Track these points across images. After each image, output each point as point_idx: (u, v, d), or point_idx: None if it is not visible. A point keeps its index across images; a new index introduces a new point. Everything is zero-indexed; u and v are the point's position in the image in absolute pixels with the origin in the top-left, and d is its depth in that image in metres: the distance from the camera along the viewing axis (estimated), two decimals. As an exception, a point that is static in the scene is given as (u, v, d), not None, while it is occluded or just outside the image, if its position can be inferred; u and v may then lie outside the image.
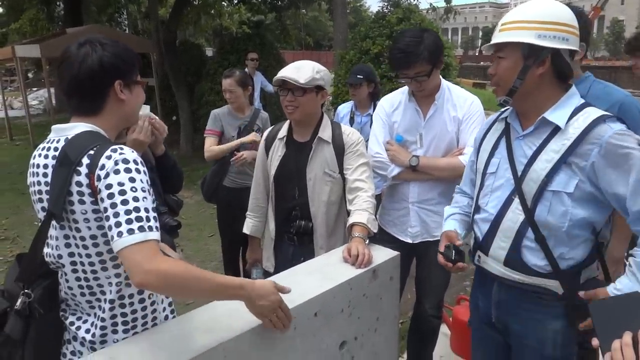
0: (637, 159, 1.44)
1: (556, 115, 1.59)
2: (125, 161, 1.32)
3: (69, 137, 1.40)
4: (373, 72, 4.12)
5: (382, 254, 1.96)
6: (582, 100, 1.62)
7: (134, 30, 21.34)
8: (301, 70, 2.16)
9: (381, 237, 2.51)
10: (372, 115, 3.89)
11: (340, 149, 2.28)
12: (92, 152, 1.35)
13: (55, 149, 1.40)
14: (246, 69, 7.50)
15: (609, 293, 1.50)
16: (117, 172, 1.30)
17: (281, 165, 2.35)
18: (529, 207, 1.60)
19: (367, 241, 2.00)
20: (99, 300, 1.46)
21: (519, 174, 1.64)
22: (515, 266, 1.67)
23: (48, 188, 1.39)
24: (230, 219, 3.51)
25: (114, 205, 1.27)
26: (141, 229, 1.25)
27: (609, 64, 33.18)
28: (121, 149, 1.36)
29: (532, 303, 1.68)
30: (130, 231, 1.24)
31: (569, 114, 1.57)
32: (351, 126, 4.01)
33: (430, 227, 2.51)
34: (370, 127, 3.83)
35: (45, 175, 1.41)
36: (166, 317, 1.61)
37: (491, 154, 1.77)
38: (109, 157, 1.32)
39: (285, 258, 2.37)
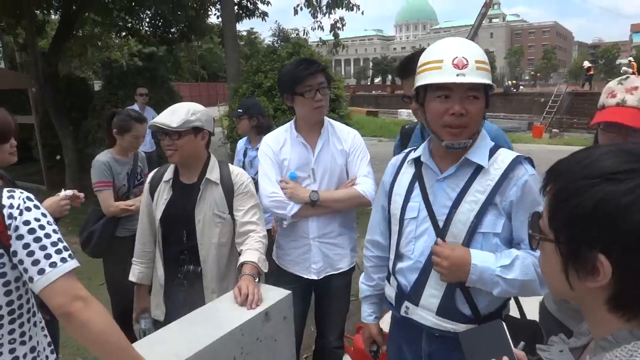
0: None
1: (477, 155, 1.58)
2: (30, 199, 1.36)
3: None
4: (255, 105, 4.13)
5: (274, 295, 1.95)
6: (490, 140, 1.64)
7: (11, 64, 19.75)
8: (175, 114, 2.15)
9: (282, 278, 2.52)
10: None
11: (229, 190, 2.27)
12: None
13: None
14: (135, 105, 7.24)
15: (472, 256, 1.50)
16: (28, 209, 1.33)
17: (168, 208, 2.28)
18: None
19: (257, 279, 1.99)
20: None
21: (444, 217, 1.59)
22: (448, 315, 1.60)
23: None
24: (122, 271, 3.19)
25: (38, 240, 1.30)
26: (70, 256, 1.32)
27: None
28: (15, 189, 1.38)
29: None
30: (63, 260, 1.30)
31: (487, 153, 1.58)
32: (244, 159, 4.03)
33: (333, 260, 2.52)
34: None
35: None
36: None
37: (407, 199, 1.69)
38: (12, 197, 1.34)
39: (177, 304, 2.27)
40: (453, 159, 1.60)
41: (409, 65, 2.14)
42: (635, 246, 0.71)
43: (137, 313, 2.47)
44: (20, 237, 1.29)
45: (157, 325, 2.31)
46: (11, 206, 1.31)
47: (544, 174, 0.88)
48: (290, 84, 2.41)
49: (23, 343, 1.38)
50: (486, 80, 1.52)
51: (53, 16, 13.79)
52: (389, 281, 1.80)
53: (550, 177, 0.84)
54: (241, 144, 4.24)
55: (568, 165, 0.82)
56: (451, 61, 1.49)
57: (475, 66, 1.49)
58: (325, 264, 2.52)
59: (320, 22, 10.08)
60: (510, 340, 1.14)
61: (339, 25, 9.97)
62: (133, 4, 10.86)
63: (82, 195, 2.44)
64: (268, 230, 3.73)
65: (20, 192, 1.36)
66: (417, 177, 1.68)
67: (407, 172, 1.73)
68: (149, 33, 13.00)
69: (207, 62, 37.43)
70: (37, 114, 9.61)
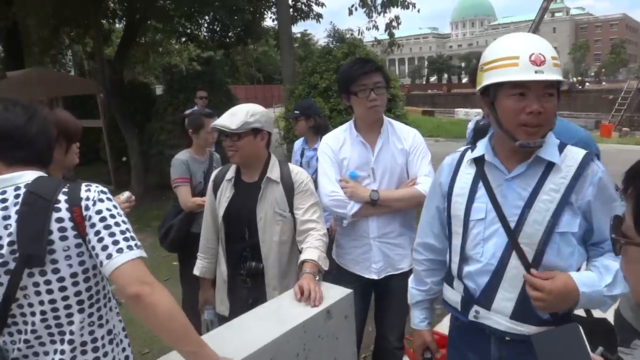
0: (619, 203, 1.46)
1: (548, 152, 1.52)
2: (103, 192, 1.47)
3: (21, 184, 1.40)
4: (312, 106, 4.15)
5: (335, 293, 1.95)
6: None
7: (80, 71, 20.92)
8: (234, 117, 2.21)
9: (343, 278, 2.52)
10: (317, 149, 3.97)
11: (289, 188, 2.30)
12: (65, 189, 1.42)
13: (3, 200, 1.37)
14: (196, 107, 7.48)
15: (577, 283, 1.44)
16: (101, 200, 1.43)
17: (230, 206, 2.34)
18: (535, 252, 1.50)
19: (318, 278, 2.00)
20: (65, 342, 1.41)
21: (516, 217, 1.52)
22: (523, 318, 1.54)
23: (10, 239, 1.34)
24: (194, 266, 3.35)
25: (108, 227, 1.39)
26: (137, 246, 1.40)
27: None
28: (92, 184, 1.48)
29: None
30: (130, 247, 1.38)
31: (557, 150, 1.53)
32: (301, 159, 4.07)
33: (394, 260, 2.50)
34: (316, 161, 3.93)
35: None
36: None
37: (470, 199, 1.61)
38: (88, 190, 1.44)
39: (240, 300, 2.33)
40: (520, 158, 1.54)
41: None
42: None
43: (200, 304, 2.59)
44: (92, 226, 1.39)
45: (221, 320, 2.38)
46: (87, 198, 1.41)
47: (622, 175, 0.83)
48: (345, 83, 2.43)
49: (101, 326, 1.47)
50: (561, 77, 1.47)
51: (118, 25, 14.50)
52: (450, 285, 1.73)
53: (631, 180, 0.80)
54: (298, 144, 4.28)
55: None
56: (528, 58, 1.42)
57: (552, 62, 1.44)
58: (385, 263, 2.50)
59: (375, 22, 10.03)
60: (587, 346, 1.09)
61: (394, 24, 9.86)
62: (193, 10, 11.23)
63: (133, 197, 2.58)
64: (327, 229, 3.75)
65: (96, 186, 1.47)
66: (481, 177, 1.60)
67: (467, 172, 1.65)
68: (207, 38, 13.40)
69: (263, 65, 38.13)
70: (104, 118, 10.13)
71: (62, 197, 1.40)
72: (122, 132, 9.69)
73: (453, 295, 1.71)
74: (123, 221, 1.43)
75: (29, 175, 1.43)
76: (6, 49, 12.92)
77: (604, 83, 43.48)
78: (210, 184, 2.48)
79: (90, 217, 1.39)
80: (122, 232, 1.39)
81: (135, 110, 10.44)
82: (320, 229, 2.25)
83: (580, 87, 35.68)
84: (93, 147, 11.88)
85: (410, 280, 1.94)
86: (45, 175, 1.49)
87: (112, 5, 11.56)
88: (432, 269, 1.85)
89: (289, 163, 2.45)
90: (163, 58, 19.85)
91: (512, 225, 1.53)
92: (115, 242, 1.36)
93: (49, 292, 1.37)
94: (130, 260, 1.36)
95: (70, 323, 1.41)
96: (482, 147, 1.63)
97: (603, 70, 67.47)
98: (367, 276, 2.51)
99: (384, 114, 2.54)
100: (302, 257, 2.10)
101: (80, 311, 1.42)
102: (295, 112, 4.08)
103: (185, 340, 1.37)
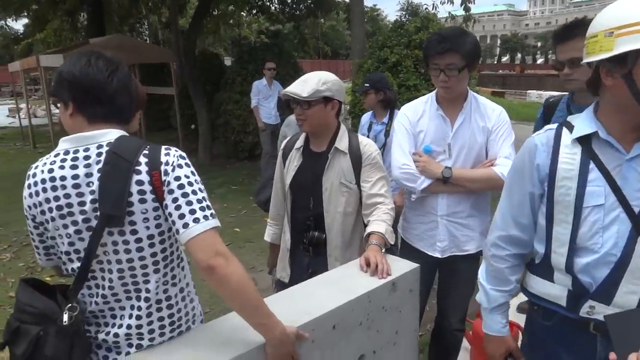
0: None
1: None
2: (183, 157, 1.45)
3: (104, 142, 1.41)
4: (382, 80, 4.08)
5: (401, 266, 1.93)
6: None
7: (155, 40, 21.69)
8: (306, 84, 2.17)
9: (406, 252, 2.49)
10: (385, 124, 3.90)
11: (357, 160, 2.26)
12: (146, 151, 1.42)
13: (87, 157, 1.39)
14: (264, 79, 7.56)
15: None
16: (180, 166, 1.42)
17: (297, 175, 2.35)
18: None
19: (384, 250, 1.98)
20: (142, 299, 1.46)
21: (634, 202, 1.39)
22: None
23: (93, 197, 1.37)
24: None
25: (185, 195, 1.38)
26: (212, 215, 1.39)
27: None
28: (171, 148, 1.46)
29: None
30: (206, 217, 1.37)
31: None
32: (368, 133, 4.04)
33: (460, 241, 2.43)
34: (384, 135, 3.88)
35: (77, 186, 1.38)
36: (200, 321, 1.65)
37: (582, 183, 1.44)
38: (167, 154, 1.43)
39: (300, 269, 2.36)
40: (637, 136, 1.40)
41: (574, 29, 2.05)
42: None
43: (270, 268, 2.67)
44: (171, 192, 1.38)
45: (281, 286, 2.42)
46: (167, 163, 1.40)
47: None
48: (424, 58, 2.36)
49: (174, 285, 1.52)
50: None
51: (193, -4, 14.84)
52: (548, 279, 1.54)
53: None
54: (366, 117, 4.25)
55: None
56: None
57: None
58: (450, 243, 2.44)
59: (451, -4, 9.65)
60: None
61: (470, -2, 9.46)
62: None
63: None
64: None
65: (175, 150, 1.45)
66: (591, 158, 1.44)
67: (572, 152, 1.47)
68: (278, 10, 13.44)
69: (330, 40, 37.88)
70: (176, 86, 10.48)
71: (142, 160, 1.40)
72: (193, 101, 9.99)
73: (553, 289, 1.53)
74: (200, 189, 1.41)
75: (112, 134, 1.44)
76: (90, 16, 13.57)
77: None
78: (280, 152, 2.49)
79: (168, 183, 1.39)
80: (199, 201, 1.38)
81: (205, 80, 10.71)
82: (388, 202, 2.21)
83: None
84: (165, 115, 12.35)
85: (485, 280, 1.71)
86: (127, 134, 1.49)
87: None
88: (517, 264, 1.67)
89: (360, 135, 2.39)
90: (233, 30, 20.16)
91: (637, 210, 1.39)
92: (192, 211, 1.36)
93: (127, 251, 1.41)
94: (206, 230, 1.35)
95: (147, 282, 1.45)
96: (586, 124, 1.46)
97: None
98: (430, 253, 2.46)
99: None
100: (369, 229, 2.08)
101: (156, 271, 1.45)
102: (365, 85, 4.04)
103: (255, 312, 1.39)
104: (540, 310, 1.60)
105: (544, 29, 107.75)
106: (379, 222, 2.10)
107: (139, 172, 1.38)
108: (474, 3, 9.40)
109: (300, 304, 1.65)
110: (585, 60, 1.41)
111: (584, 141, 1.46)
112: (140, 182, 1.38)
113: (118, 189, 1.36)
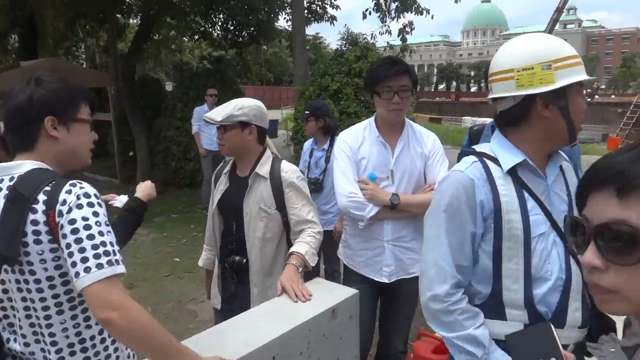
0: None
1: (561, 153, 1.54)
2: (87, 195, 1.31)
3: (16, 175, 1.34)
4: (322, 107, 4.14)
5: (341, 293, 1.94)
6: None
7: (92, 64, 21.03)
8: (222, 109, 2.24)
9: (351, 278, 2.52)
10: (326, 150, 3.97)
11: (277, 186, 2.26)
12: (48, 188, 1.31)
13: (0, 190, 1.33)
14: (205, 105, 7.50)
15: None
16: (80, 206, 1.28)
17: (222, 199, 2.38)
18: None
19: (301, 270, 2.02)
20: (48, 343, 1.37)
21: (561, 224, 1.45)
22: (586, 323, 1.48)
23: None
24: None
25: (79, 241, 1.25)
26: (109, 263, 1.25)
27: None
28: (80, 183, 1.34)
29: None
30: (99, 266, 1.24)
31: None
32: (310, 160, 4.08)
33: (405, 264, 2.46)
34: (324, 161, 3.94)
35: None
36: None
37: (525, 214, 1.43)
38: (69, 192, 1.30)
39: (228, 295, 2.37)
40: (547, 161, 1.51)
41: None
42: None
43: (207, 294, 2.62)
44: (64, 236, 1.27)
45: (216, 313, 2.43)
46: (64, 202, 1.29)
47: None
48: (371, 82, 2.37)
49: (88, 327, 1.41)
50: None
51: (132, 20, 14.58)
52: (500, 317, 1.47)
53: None
54: (307, 144, 4.29)
55: None
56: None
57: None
58: (397, 267, 2.45)
59: (389, 27, 10.04)
60: (559, 342, 1.12)
61: (407, 29, 9.88)
62: (208, 8, 11.28)
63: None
64: (329, 231, 3.72)
65: (81, 187, 1.32)
66: (523, 187, 1.46)
67: (506, 183, 1.46)
68: (220, 36, 13.45)
69: (273, 66, 38.23)
70: (114, 111, 10.18)
71: (41, 198, 1.30)
72: (131, 126, 9.73)
73: (504, 327, 1.45)
74: (100, 232, 1.28)
75: (27, 166, 1.36)
76: (21, 38, 13.02)
77: (613, 96, 43.28)
78: (213, 177, 2.51)
79: (62, 226, 1.27)
80: (95, 247, 1.25)
81: (145, 105, 10.49)
82: (315, 227, 2.23)
83: (589, 99, 35.55)
84: (101, 141, 11.93)
85: (462, 332, 1.46)
86: (41, 166, 1.39)
87: (128, 0, 11.63)
88: (475, 309, 1.52)
89: (285, 161, 2.38)
90: (175, 55, 19.96)
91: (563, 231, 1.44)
92: (84, 259, 1.24)
93: (28, 291, 1.33)
94: (99, 280, 1.23)
95: (49, 325, 1.36)
96: (511, 153, 1.47)
97: (600, 86, 66.96)
98: (377, 279, 2.48)
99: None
100: (291, 249, 2.13)
101: (59, 312, 1.36)
102: (306, 112, 4.10)
103: (166, 355, 1.30)
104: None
105: (477, 59, 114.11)
106: (301, 244, 2.13)
107: (35, 211, 1.29)
108: (411, 34, 9.83)
109: (239, 335, 1.63)
110: (519, 93, 1.41)
111: (512, 171, 1.47)
112: (35, 222, 1.29)
113: (12, 229, 1.28)
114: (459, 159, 1.67)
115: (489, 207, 1.44)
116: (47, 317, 1.35)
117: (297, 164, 3.14)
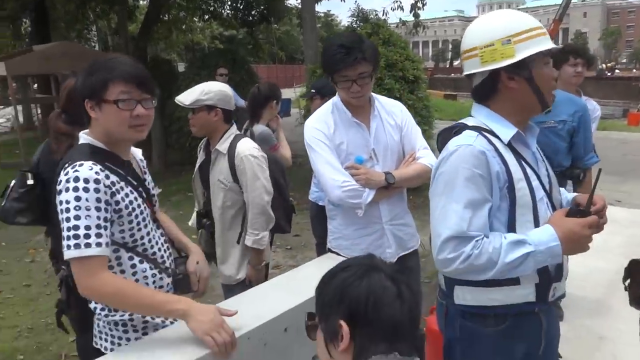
0: None
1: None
2: (76, 179, 1.44)
3: None
4: (326, 85, 4.01)
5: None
6: None
7: (104, 47, 21.09)
8: (190, 94, 2.48)
9: None
10: None
11: (232, 161, 2.53)
12: (64, 168, 1.50)
13: None
14: (217, 84, 7.49)
15: None
16: (67, 189, 1.44)
17: (197, 171, 2.80)
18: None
19: (263, 263, 2.71)
20: None
21: (549, 185, 1.60)
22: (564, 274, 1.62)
23: None
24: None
25: (63, 220, 1.44)
26: (77, 246, 1.41)
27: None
28: (80, 165, 1.46)
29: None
30: (68, 247, 1.42)
31: None
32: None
33: (404, 240, 2.42)
34: None
35: None
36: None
37: (529, 182, 1.51)
38: (65, 174, 1.46)
39: (207, 254, 2.56)
40: (524, 128, 1.59)
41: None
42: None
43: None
44: (60, 212, 1.46)
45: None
46: (59, 183, 1.48)
47: None
48: (327, 70, 2.26)
49: None
50: None
51: (142, 1, 14.54)
52: (511, 284, 1.50)
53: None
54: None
55: None
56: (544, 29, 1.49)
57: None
58: (397, 246, 2.40)
59: (400, 2, 9.86)
60: None
61: (419, 4, 9.68)
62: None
63: None
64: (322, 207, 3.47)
65: (74, 171, 1.45)
66: (520, 157, 1.53)
67: (509, 154, 1.51)
68: (230, 16, 13.36)
69: (285, 45, 37.92)
70: (127, 93, 10.21)
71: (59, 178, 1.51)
72: (145, 108, 9.75)
73: (520, 291, 1.52)
74: (76, 216, 1.42)
75: (80, 140, 1.61)
76: (33, 23, 13.09)
77: (634, 70, 42.26)
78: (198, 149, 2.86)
79: (58, 203, 1.48)
80: (68, 229, 1.43)
81: (157, 86, 10.46)
82: (255, 208, 2.56)
83: (609, 74, 34.77)
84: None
85: (501, 259, 1.42)
86: (86, 140, 1.59)
87: (137, -20, 11.60)
88: None
89: (245, 139, 2.62)
90: (186, 35, 19.87)
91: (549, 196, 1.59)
92: (66, 237, 1.43)
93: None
94: (72, 259, 1.44)
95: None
96: (504, 126, 1.52)
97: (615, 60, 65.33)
98: None
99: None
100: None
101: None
102: (311, 91, 4.08)
103: (150, 309, 1.52)
104: (490, 318, 1.56)
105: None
106: (247, 236, 2.59)
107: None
108: (423, 9, 9.65)
109: (250, 308, 1.66)
110: (484, 68, 1.50)
111: (508, 142, 1.54)
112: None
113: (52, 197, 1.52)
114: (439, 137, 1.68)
115: (503, 178, 1.48)
116: None
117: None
